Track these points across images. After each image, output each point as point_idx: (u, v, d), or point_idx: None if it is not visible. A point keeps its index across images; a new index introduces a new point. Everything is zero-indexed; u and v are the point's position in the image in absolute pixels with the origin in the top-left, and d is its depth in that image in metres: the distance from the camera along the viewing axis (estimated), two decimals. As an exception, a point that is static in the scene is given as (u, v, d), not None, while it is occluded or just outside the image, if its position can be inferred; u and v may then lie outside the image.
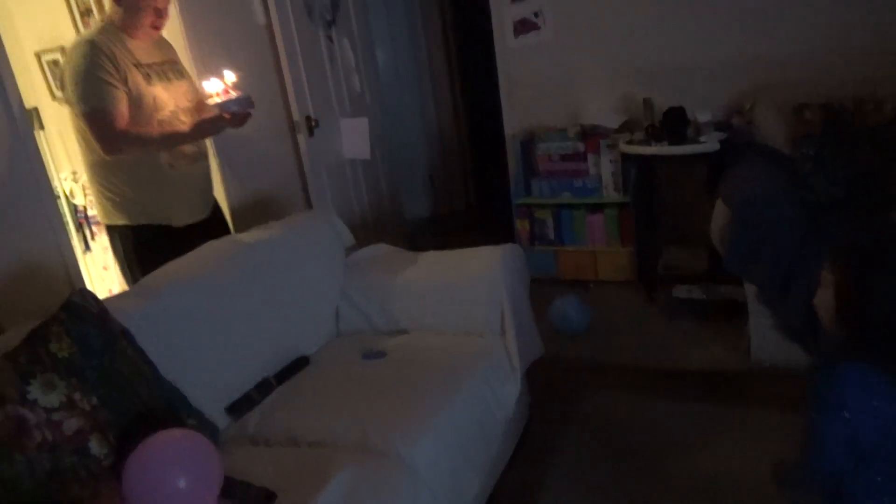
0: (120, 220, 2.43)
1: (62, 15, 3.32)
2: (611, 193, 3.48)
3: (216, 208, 2.69)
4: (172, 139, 2.38)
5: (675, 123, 3.04)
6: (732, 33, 3.17)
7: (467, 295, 2.20)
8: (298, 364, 2.14)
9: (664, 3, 3.27)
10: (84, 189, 3.41)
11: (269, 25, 3.12)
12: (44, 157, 2.59)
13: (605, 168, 3.44)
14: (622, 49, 3.41)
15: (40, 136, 3.28)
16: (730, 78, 3.18)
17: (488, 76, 3.84)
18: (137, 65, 2.34)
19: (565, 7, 3.45)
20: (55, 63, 3.43)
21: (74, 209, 3.42)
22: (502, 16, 3.58)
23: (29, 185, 2.25)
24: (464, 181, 5.19)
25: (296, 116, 3.15)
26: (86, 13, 3.28)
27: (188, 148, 2.43)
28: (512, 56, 3.60)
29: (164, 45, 2.53)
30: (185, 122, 2.41)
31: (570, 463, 2.23)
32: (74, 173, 3.48)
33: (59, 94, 3.45)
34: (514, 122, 3.72)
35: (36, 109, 3.41)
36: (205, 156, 2.56)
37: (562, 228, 3.62)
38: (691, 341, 2.89)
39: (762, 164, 2.69)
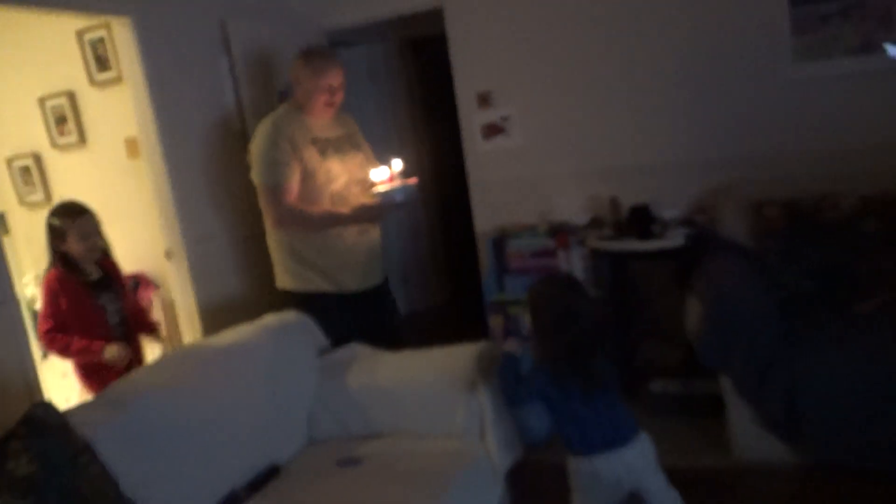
0: (290, 286, 2.63)
1: (36, 123, 3.37)
2: (583, 289, 3.50)
3: (386, 280, 2.84)
4: (331, 220, 2.55)
5: (640, 220, 3.13)
6: (693, 134, 3.33)
7: (445, 396, 2.15)
8: (269, 474, 2.03)
9: (626, 107, 3.44)
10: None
11: (244, 132, 3.19)
12: (8, 263, 2.54)
13: (575, 264, 3.49)
14: (587, 150, 3.55)
15: (5, 241, 3.23)
16: (692, 176, 3.31)
17: (460, 175, 3.94)
18: (315, 140, 2.56)
19: (532, 112, 3.61)
20: (26, 169, 3.44)
21: (35, 315, 3.32)
22: (471, 121, 3.72)
23: (-8, 292, 2.20)
24: (438, 279, 5.21)
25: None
26: (60, 121, 3.33)
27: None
28: (481, 158, 3.72)
29: (344, 120, 2.75)
30: (356, 193, 2.58)
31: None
32: (37, 277, 3.41)
33: (27, 198, 3.44)
34: (484, 220, 3.79)
35: (3, 214, 3.39)
36: (373, 228, 2.71)
37: (536, 325, 3.61)
38: (671, 438, 2.82)
39: (730, 259, 2.76)
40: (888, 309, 2.53)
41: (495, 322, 3.68)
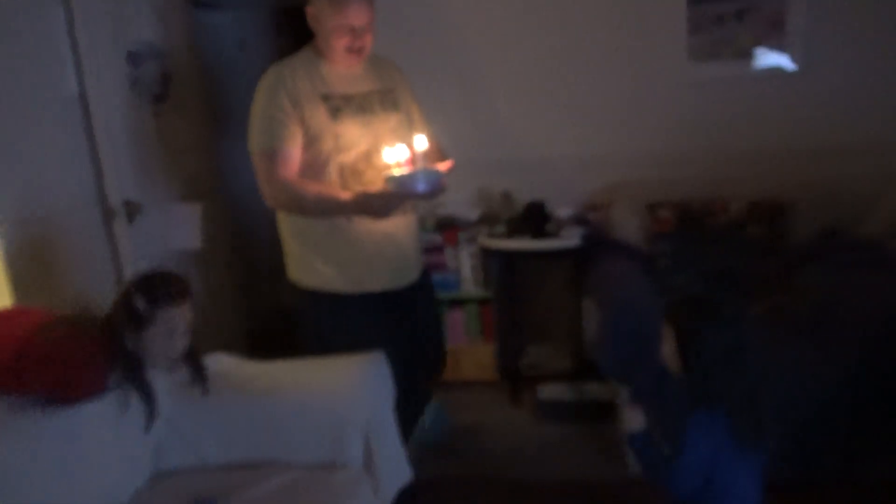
0: (296, 278, 2.16)
1: None
2: (470, 288, 3.31)
3: (425, 276, 2.28)
4: (325, 205, 1.97)
5: (536, 218, 2.97)
6: (588, 131, 3.22)
7: (324, 418, 1.84)
8: (102, 521, 1.65)
9: (521, 99, 3.27)
10: None
11: (82, 96, 2.67)
12: None
13: (464, 262, 3.29)
14: (479, 140, 3.34)
15: None
16: (587, 174, 3.20)
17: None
18: (327, 97, 2.03)
19: (421, 95, 3.33)
20: None
21: None
22: (354, 101, 3.40)
23: None
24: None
25: (113, 201, 2.69)
26: None
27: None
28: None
29: (384, 71, 2.18)
30: (382, 168, 1.96)
31: None
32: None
33: None
34: (367, 211, 3.48)
35: None
36: (402, 213, 2.10)
37: (420, 326, 3.37)
38: (563, 448, 2.72)
39: (625, 263, 2.66)
40: (775, 313, 2.54)
41: (376, 322, 3.40)
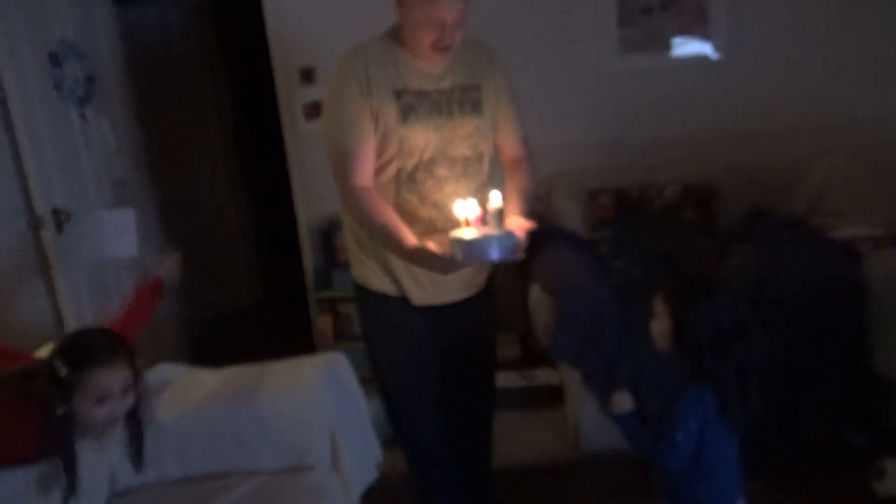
0: (356, 277, 2.01)
1: None
2: (417, 282, 3.31)
3: (480, 298, 2.03)
4: (387, 241, 1.72)
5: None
6: (527, 123, 3.26)
7: (287, 421, 1.82)
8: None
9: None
10: None
11: (2, 101, 2.51)
12: None
13: (410, 256, 3.28)
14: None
15: None
16: (528, 164, 3.25)
17: (277, 161, 3.55)
18: (400, 93, 1.76)
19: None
20: None
21: None
22: (291, 99, 3.33)
23: None
24: (249, 276, 4.73)
25: (40, 210, 2.55)
26: None
27: (425, 212, 1.78)
28: (304, 141, 3.34)
29: (471, 61, 1.86)
30: (444, 177, 1.77)
31: None
32: None
33: None
34: (309, 210, 3.42)
35: None
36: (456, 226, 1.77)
37: (368, 322, 3.35)
38: (517, 434, 2.77)
39: (572, 250, 2.72)
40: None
41: (324, 322, 3.35)
